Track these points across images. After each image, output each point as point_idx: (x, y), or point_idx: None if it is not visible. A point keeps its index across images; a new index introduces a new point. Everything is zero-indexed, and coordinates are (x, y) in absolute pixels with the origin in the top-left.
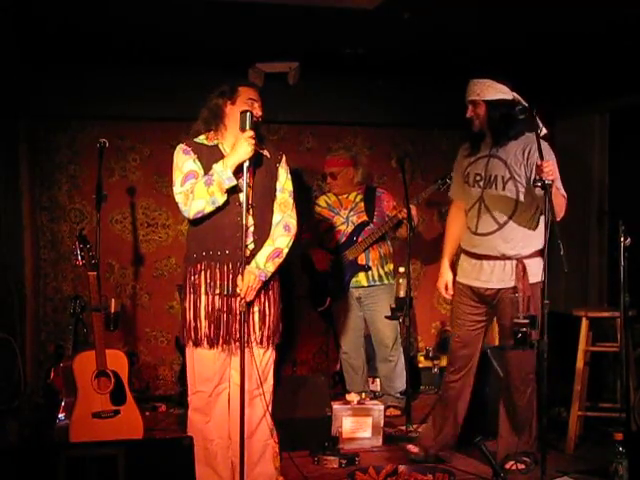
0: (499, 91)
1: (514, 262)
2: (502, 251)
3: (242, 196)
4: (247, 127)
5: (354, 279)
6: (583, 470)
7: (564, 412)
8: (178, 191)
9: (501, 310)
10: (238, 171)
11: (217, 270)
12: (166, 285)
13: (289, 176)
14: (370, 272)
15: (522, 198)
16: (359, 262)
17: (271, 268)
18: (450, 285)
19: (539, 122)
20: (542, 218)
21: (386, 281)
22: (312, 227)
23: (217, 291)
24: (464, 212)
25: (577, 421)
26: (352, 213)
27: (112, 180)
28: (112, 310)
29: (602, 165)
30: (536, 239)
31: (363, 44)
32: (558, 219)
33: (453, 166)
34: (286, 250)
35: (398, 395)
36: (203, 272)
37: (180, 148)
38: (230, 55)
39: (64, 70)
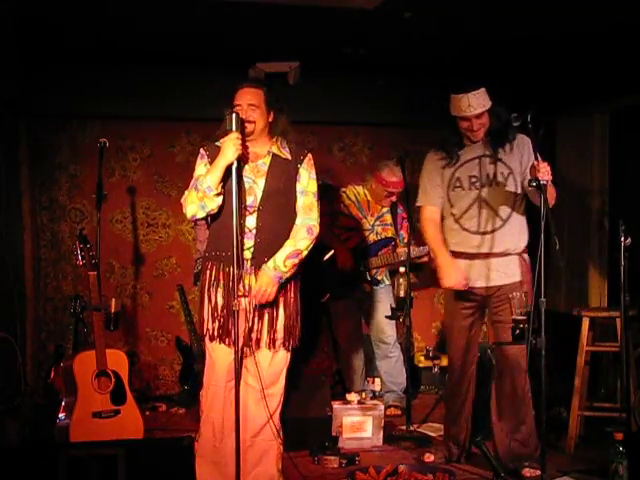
0: (488, 97)
1: (515, 257)
2: (507, 246)
3: (249, 199)
4: (233, 128)
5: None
6: (583, 470)
7: (564, 412)
8: (185, 194)
9: (499, 306)
10: (230, 174)
11: (221, 270)
12: (166, 285)
13: (313, 177)
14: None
15: (519, 192)
16: (371, 273)
17: (288, 268)
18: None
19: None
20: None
21: (387, 282)
22: (333, 214)
23: (221, 290)
24: (439, 216)
25: (577, 421)
26: (377, 222)
27: (112, 180)
28: (112, 310)
29: (602, 165)
30: (526, 234)
31: (363, 44)
32: (551, 205)
33: (422, 177)
34: (305, 252)
35: (400, 393)
36: (209, 271)
37: (199, 152)
38: (231, 55)
39: (64, 70)
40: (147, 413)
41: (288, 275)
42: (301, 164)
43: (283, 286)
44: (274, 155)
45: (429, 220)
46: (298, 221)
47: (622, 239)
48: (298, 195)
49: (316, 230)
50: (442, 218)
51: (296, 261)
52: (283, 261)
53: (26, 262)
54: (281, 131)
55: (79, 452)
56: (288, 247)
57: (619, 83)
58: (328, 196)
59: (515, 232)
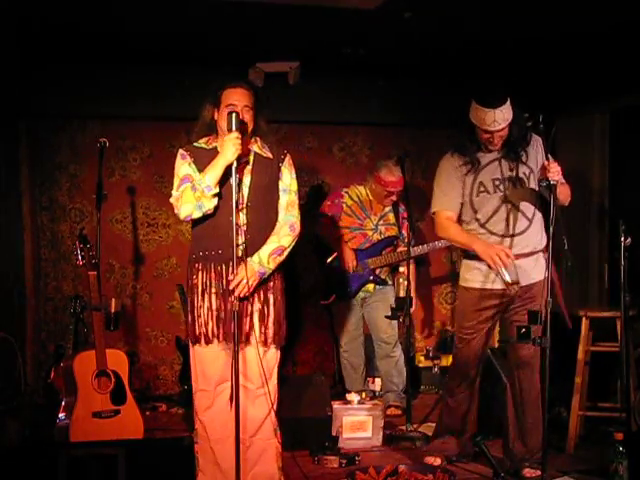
0: (511, 105)
1: (540, 254)
2: (534, 245)
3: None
4: (233, 128)
5: (364, 287)
6: (583, 470)
7: (564, 412)
8: (173, 195)
9: (523, 306)
10: (228, 172)
11: (213, 270)
12: (166, 285)
13: (294, 175)
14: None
15: (538, 190)
16: (376, 272)
17: (272, 266)
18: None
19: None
20: None
21: (389, 282)
22: (333, 215)
23: (214, 290)
24: (456, 219)
25: (577, 421)
26: (381, 222)
27: (112, 180)
28: (112, 310)
29: (602, 165)
30: (545, 232)
31: (363, 44)
32: (567, 203)
33: (440, 181)
34: (289, 250)
35: (400, 393)
36: (200, 272)
37: (178, 154)
38: (231, 55)
39: (64, 70)
40: (147, 413)
41: (270, 272)
42: (282, 163)
43: (267, 282)
44: (256, 154)
45: (448, 219)
46: (280, 218)
47: (622, 239)
48: (281, 193)
49: (298, 227)
50: (461, 223)
51: (280, 259)
52: (267, 258)
53: (26, 262)
54: (263, 132)
55: (79, 452)
56: (272, 243)
57: (619, 83)
58: (329, 196)
59: (539, 230)
